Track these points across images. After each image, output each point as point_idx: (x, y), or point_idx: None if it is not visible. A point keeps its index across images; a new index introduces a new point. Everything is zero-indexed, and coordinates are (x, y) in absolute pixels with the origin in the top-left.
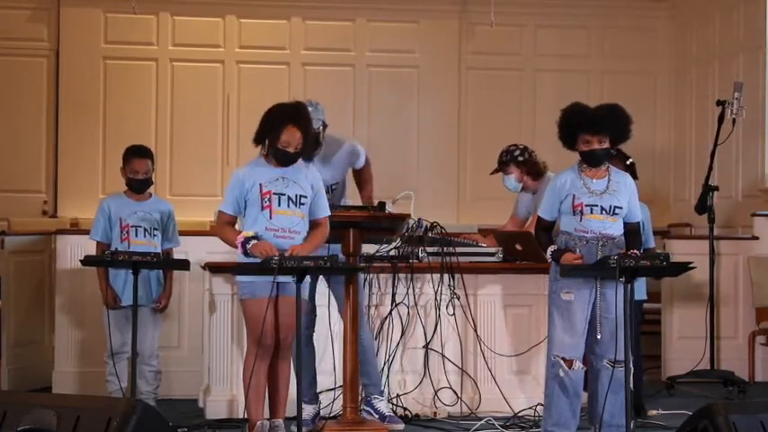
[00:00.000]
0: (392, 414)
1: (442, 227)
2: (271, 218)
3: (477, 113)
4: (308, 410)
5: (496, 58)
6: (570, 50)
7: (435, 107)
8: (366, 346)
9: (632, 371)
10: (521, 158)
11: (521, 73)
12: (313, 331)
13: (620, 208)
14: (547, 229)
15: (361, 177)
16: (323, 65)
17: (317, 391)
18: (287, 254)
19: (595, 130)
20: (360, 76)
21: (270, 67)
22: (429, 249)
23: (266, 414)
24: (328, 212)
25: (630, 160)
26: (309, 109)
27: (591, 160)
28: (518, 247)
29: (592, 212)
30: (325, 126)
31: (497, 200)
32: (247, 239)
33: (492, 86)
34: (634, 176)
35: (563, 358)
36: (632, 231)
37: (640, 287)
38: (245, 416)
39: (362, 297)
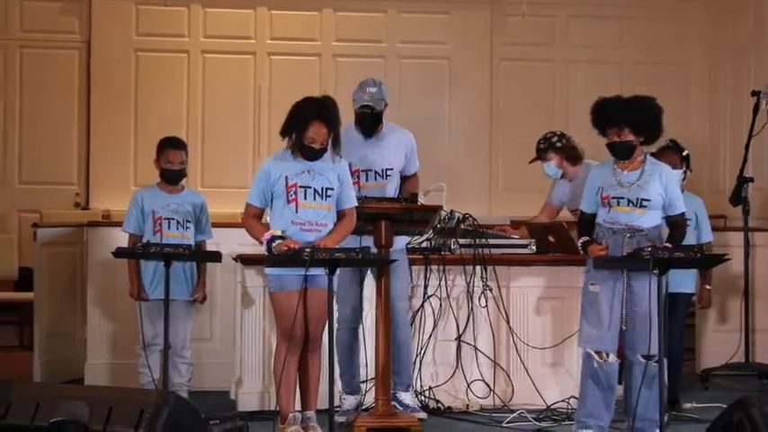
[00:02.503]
0: (415, 406)
1: (474, 218)
2: (297, 211)
3: (509, 105)
4: (350, 401)
5: (528, 48)
6: (603, 41)
7: (467, 98)
8: (401, 343)
9: (666, 363)
10: (558, 144)
11: (553, 64)
12: (359, 325)
13: (648, 200)
14: (588, 221)
15: (409, 183)
16: (354, 56)
17: (360, 381)
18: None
19: (615, 124)
20: (391, 68)
21: (301, 58)
22: (461, 241)
23: (298, 406)
24: (355, 203)
25: (686, 152)
26: (374, 89)
27: (613, 153)
28: (551, 238)
29: (618, 204)
30: (386, 105)
31: (529, 191)
32: (273, 238)
33: (524, 78)
34: (689, 168)
35: (595, 350)
36: (673, 223)
37: (689, 280)
38: (277, 408)
39: (404, 292)
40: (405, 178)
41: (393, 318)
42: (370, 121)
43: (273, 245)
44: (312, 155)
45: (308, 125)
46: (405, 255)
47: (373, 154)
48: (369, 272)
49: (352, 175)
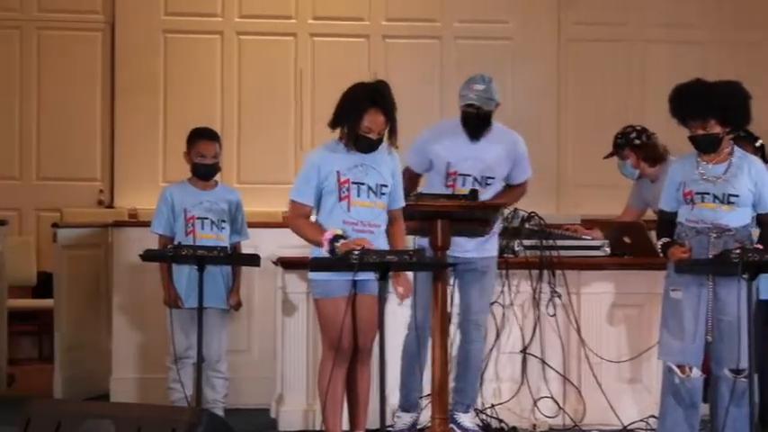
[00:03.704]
0: (476, 428)
1: (540, 217)
2: (349, 210)
3: (579, 91)
4: (404, 419)
5: (600, 28)
6: (684, 19)
7: (531, 84)
8: (472, 359)
9: (756, 378)
10: (637, 141)
11: (628, 45)
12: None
13: (736, 196)
14: (668, 221)
15: (511, 192)
16: (406, 37)
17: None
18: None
19: (699, 115)
20: (447, 50)
21: (347, 40)
22: (526, 243)
23: (346, 426)
24: (403, 203)
25: (760, 142)
26: (481, 87)
27: (697, 147)
28: (626, 239)
29: (703, 201)
30: (497, 105)
31: (602, 187)
32: (336, 237)
33: (595, 60)
34: (763, 159)
35: (676, 364)
36: (765, 223)
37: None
38: (323, 428)
39: (486, 305)
40: (509, 185)
41: (467, 330)
42: (475, 123)
43: (337, 244)
44: (368, 146)
45: (364, 113)
46: (496, 263)
47: (476, 159)
48: (454, 275)
49: (448, 176)
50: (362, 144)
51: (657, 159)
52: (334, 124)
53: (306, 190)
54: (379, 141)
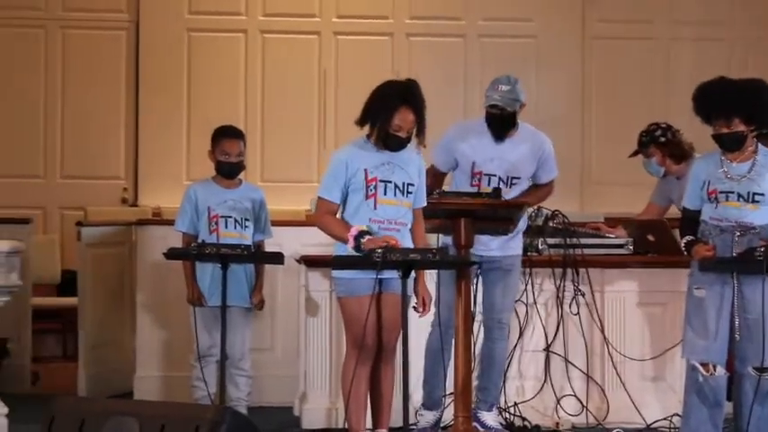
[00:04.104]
0: (499, 426)
1: (563, 216)
2: (375, 208)
3: (603, 89)
4: (427, 417)
5: (625, 26)
6: (711, 16)
7: (555, 82)
8: (495, 357)
9: None
10: (662, 139)
11: (653, 43)
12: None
13: (762, 195)
14: (691, 218)
15: (537, 192)
16: (430, 35)
17: (443, 394)
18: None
19: (723, 114)
20: (471, 48)
21: (371, 38)
22: (550, 241)
23: (369, 424)
24: (425, 203)
25: None
26: (506, 88)
27: (721, 145)
28: (650, 237)
29: (727, 199)
30: (522, 106)
31: (626, 185)
32: (361, 233)
33: (620, 58)
34: None
35: (700, 362)
36: None
37: None
38: (346, 426)
39: (510, 304)
40: (535, 185)
41: (491, 329)
42: (499, 124)
43: (363, 240)
44: (397, 144)
45: (395, 111)
46: (520, 261)
47: (501, 159)
48: (478, 273)
49: (473, 176)
50: (392, 142)
51: (683, 156)
52: (362, 122)
53: (333, 187)
54: (408, 140)
